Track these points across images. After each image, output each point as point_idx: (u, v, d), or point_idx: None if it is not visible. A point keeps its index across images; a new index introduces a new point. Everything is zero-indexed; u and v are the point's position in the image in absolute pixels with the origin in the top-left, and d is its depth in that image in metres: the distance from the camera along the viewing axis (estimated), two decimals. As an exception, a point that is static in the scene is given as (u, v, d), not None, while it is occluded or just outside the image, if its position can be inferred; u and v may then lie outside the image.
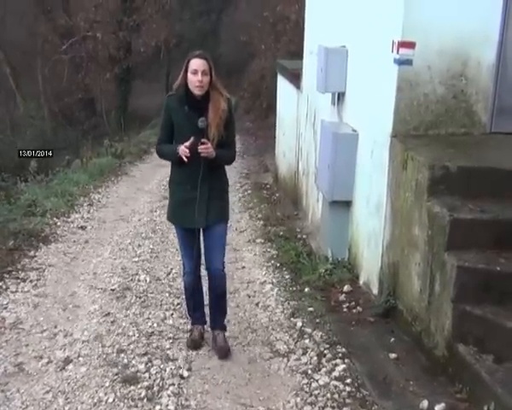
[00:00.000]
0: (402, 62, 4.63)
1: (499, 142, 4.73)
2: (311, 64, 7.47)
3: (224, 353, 4.28)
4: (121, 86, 22.26)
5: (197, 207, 4.11)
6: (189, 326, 4.62)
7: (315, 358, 4.28)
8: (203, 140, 3.99)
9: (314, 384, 3.95)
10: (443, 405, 3.55)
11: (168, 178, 4.45)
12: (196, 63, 3.99)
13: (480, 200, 4.03)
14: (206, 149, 3.99)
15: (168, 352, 4.35)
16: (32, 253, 6.33)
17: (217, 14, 28.58)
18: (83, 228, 7.47)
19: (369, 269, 5.28)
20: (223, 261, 4.35)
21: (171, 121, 4.18)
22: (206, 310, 4.51)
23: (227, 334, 4.40)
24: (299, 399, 3.81)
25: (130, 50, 21.89)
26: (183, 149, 3.99)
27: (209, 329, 4.48)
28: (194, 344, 4.41)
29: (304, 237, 7.13)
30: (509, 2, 4.65)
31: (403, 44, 4.59)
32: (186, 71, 4.04)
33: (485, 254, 3.83)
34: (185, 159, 3.99)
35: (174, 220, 4.38)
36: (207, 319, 4.51)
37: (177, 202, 4.29)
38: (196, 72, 3.97)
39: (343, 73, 5.94)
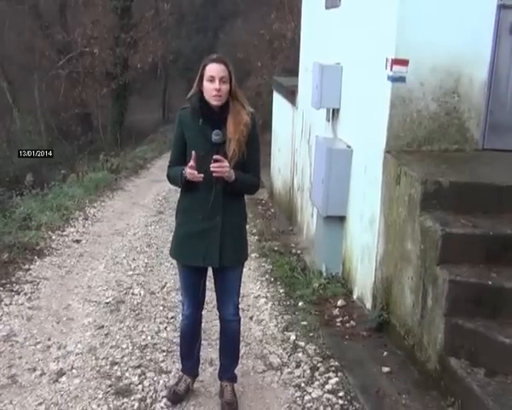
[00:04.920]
0: (395, 79, 4.70)
1: (491, 158, 4.79)
2: (306, 81, 7.55)
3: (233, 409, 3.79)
4: (118, 102, 22.35)
5: (209, 242, 3.47)
6: (177, 374, 4.11)
7: (308, 371, 4.29)
8: (216, 156, 3.26)
9: (307, 397, 3.96)
10: (435, 418, 3.57)
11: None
12: (214, 69, 3.34)
13: (472, 215, 4.06)
14: (221, 167, 3.28)
15: (162, 364, 4.34)
16: (26, 266, 6.33)
17: (213, 31, 28.85)
18: (78, 242, 7.48)
19: (363, 284, 5.30)
20: (237, 305, 3.75)
21: (184, 138, 3.50)
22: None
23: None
24: (292, 412, 3.82)
25: (127, 66, 22.00)
26: (190, 171, 3.30)
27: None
28: (176, 398, 3.83)
29: (298, 252, 7.16)
30: (501, 21, 4.74)
31: (396, 62, 4.66)
32: (201, 78, 3.39)
33: (477, 268, 3.86)
34: (199, 178, 3.29)
35: (179, 257, 3.64)
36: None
37: (183, 235, 3.56)
38: (213, 79, 3.32)
39: (338, 90, 6.02)
